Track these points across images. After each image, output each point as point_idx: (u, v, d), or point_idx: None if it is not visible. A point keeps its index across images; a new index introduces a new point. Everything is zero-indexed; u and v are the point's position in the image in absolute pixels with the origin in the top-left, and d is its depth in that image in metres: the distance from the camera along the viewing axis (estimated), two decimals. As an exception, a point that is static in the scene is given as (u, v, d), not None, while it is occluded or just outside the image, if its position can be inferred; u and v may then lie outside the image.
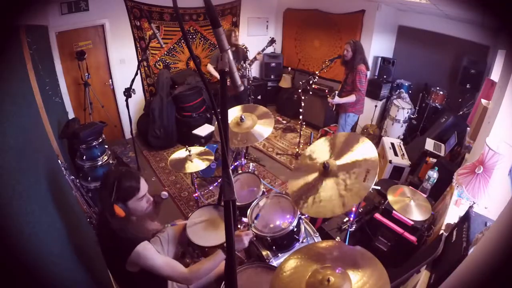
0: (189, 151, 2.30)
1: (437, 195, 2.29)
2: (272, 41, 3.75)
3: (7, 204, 0.85)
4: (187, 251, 1.99)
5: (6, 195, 0.85)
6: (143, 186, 1.37)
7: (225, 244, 1.39)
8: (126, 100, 2.66)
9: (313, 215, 1.46)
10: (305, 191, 1.44)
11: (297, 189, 1.48)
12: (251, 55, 3.91)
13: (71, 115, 3.70)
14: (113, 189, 1.26)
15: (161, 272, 1.30)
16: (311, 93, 3.83)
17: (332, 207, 1.30)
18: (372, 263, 1.07)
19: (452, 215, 1.81)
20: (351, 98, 3.17)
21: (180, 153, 2.35)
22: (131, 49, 4.30)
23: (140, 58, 4.32)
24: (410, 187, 1.99)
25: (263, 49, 3.75)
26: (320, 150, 1.58)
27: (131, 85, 2.66)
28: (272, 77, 5.69)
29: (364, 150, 1.40)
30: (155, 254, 1.31)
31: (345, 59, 3.19)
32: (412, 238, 1.92)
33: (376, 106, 4.25)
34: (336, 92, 3.32)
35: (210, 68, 3.89)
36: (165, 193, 3.39)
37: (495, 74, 2.89)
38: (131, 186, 1.30)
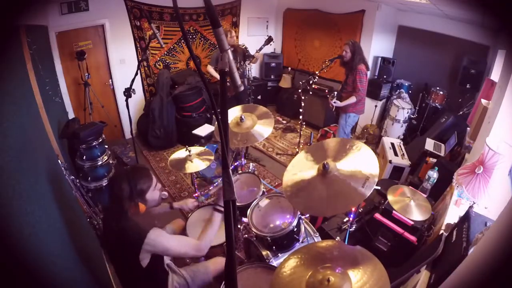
0: (189, 151, 2.30)
1: (437, 195, 2.29)
2: (269, 40, 3.72)
3: (7, 204, 0.85)
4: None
5: (6, 195, 0.85)
6: (153, 176, 1.45)
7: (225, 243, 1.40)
8: (126, 100, 2.66)
9: (306, 211, 1.45)
10: (300, 187, 1.42)
11: (292, 184, 1.47)
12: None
13: (71, 115, 3.70)
14: (131, 189, 1.32)
15: (177, 251, 1.35)
16: (311, 93, 3.82)
17: (327, 207, 1.29)
18: (372, 263, 1.07)
19: (452, 215, 1.81)
20: (352, 99, 3.18)
21: (180, 153, 2.35)
22: (131, 49, 4.30)
23: (140, 58, 4.32)
24: (410, 187, 1.99)
25: (260, 48, 3.73)
26: (318, 151, 1.57)
27: (131, 85, 2.66)
28: (272, 77, 5.69)
29: (365, 158, 1.39)
30: (167, 235, 1.35)
31: (344, 60, 3.20)
32: (412, 238, 1.92)
33: (376, 106, 4.25)
34: (336, 92, 3.32)
35: (210, 69, 3.88)
36: (165, 193, 3.39)
37: (495, 74, 2.89)
38: (145, 180, 1.38)
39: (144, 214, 1.37)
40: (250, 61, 3.76)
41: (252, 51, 3.92)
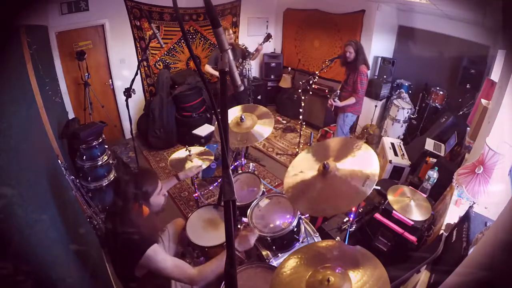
0: (189, 151, 2.30)
1: (437, 195, 2.29)
2: (268, 37, 3.70)
3: (7, 204, 0.85)
4: (187, 251, 1.99)
5: (6, 195, 0.85)
6: (159, 181, 1.45)
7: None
8: (126, 100, 2.66)
9: (308, 213, 1.45)
10: (302, 189, 1.43)
11: (293, 185, 1.47)
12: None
13: (71, 115, 3.70)
14: (136, 189, 1.32)
15: (170, 274, 1.30)
16: (311, 93, 3.82)
17: (329, 207, 1.30)
18: (372, 263, 1.07)
19: (452, 215, 1.81)
20: (351, 100, 3.19)
21: (180, 153, 2.35)
22: (131, 49, 4.30)
23: (140, 58, 4.32)
24: (410, 187, 1.99)
25: (261, 44, 3.72)
26: (318, 151, 1.57)
27: (131, 85, 2.66)
28: (272, 77, 5.68)
29: (365, 157, 1.39)
30: (165, 256, 1.32)
31: (348, 60, 3.16)
32: (412, 238, 1.92)
33: (376, 106, 4.25)
34: (338, 92, 3.32)
35: (208, 68, 3.86)
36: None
37: (495, 74, 2.88)
38: (151, 182, 1.39)
39: (147, 218, 1.36)
40: (250, 58, 3.77)
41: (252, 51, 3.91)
